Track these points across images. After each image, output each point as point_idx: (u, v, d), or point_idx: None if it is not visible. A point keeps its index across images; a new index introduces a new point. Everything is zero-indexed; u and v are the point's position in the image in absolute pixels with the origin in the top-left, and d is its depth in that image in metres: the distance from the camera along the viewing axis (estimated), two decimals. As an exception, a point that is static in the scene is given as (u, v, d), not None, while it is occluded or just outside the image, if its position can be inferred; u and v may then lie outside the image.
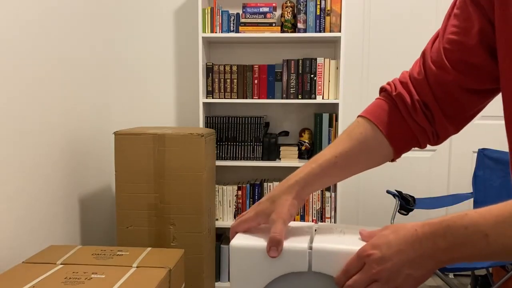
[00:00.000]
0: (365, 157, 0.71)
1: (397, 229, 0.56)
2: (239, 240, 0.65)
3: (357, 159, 0.71)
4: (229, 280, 2.44)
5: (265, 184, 2.41)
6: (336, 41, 2.46)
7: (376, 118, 0.71)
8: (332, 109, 2.47)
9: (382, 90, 0.77)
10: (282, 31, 2.35)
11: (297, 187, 0.68)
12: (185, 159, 1.86)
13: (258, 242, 0.65)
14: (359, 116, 0.73)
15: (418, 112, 0.69)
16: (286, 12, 2.34)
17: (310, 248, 0.62)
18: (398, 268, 0.54)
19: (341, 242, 0.63)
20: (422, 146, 0.73)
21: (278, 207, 0.66)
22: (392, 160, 0.74)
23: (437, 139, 0.71)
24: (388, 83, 0.75)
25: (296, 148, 2.43)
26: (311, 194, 2.39)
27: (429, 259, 0.54)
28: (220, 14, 2.35)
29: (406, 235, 0.54)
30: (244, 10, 2.35)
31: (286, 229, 0.65)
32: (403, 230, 0.55)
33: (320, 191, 2.38)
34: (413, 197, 2.08)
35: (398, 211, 2.02)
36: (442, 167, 2.63)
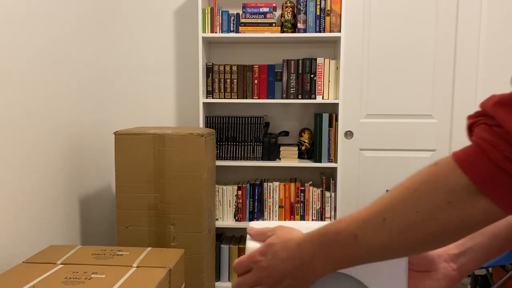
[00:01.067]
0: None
1: (285, 241, 0.58)
2: (255, 243, 0.65)
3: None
4: (229, 280, 2.44)
5: (265, 184, 2.41)
6: (336, 41, 2.46)
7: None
8: (332, 109, 2.47)
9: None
10: (282, 31, 2.35)
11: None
12: (185, 159, 1.87)
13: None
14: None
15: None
16: (286, 12, 2.34)
17: None
18: (280, 277, 0.57)
19: None
20: None
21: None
22: None
23: None
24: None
25: (296, 148, 2.43)
26: (311, 194, 2.39)
27: (308, 270, 0.56)
28: (220, 14, 2.35)
29: (290, 248, 0.57)
30: (244, 10, 2.35)
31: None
32: (289, 242, 0.57)
33: (320, 191, 2.38)
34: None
35: None
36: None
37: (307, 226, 0.73)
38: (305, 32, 2.31)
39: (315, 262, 0.55)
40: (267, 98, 2.38)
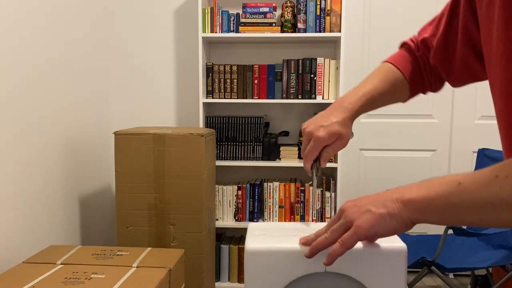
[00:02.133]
0: (390, 96, 0.87)
1: (367, 195, 0.65)
2: (255, 244, 0.64)
3: (384, 96, 0.86)
4: (229, 280, 2.44)
5: (265, 184, 2.41)
6: (336, 41, 2.46)
7: (403, 67, 0.86)
8: (332, 109, 2.46)
9: (405, 44, 0.91)
10: (282, 31, 2.35)
11: (344, 109, 0.86)
12: (185, 159, 1.87)
13: (274, 244, 0.64)
14: (385, 61, 0.89)
15: (432, 67, 0.85)
16: (286, 12, 2.34)
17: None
18: (363, 205, 0.61)
19: None
20: (426, 91, 0.91)
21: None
22: (404, 101, 0.90)
23: (437, 88, 0.90)
24: (412, 40, 0.89)
25: (296, 148, 2.43)
26: (311, 194, 2.39)
27: (390, 202, 0.59)
28: (220, 14, 2.35)
29: (379, 192, 0.63)
30: (244, 10, 2.35)
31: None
32: (371, 194, 0.64)
33: (320, 191, 2.38)
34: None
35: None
36: (442, 167, 2.63)
37: (314, 227, 0.73)
38: (305, 32, 2.31)
39: (406, 193, 0.60)
40: (267, 98, 2.38)
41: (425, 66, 0.86)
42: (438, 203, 0.54)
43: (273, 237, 0.67)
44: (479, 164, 2.19)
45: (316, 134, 0.79)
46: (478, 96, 2.57)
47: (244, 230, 2.66)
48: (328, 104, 2.54)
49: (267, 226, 0.71)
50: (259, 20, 2.33)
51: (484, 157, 2.16)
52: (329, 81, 2.35)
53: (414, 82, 0.86)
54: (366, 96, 0.84)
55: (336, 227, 0.61)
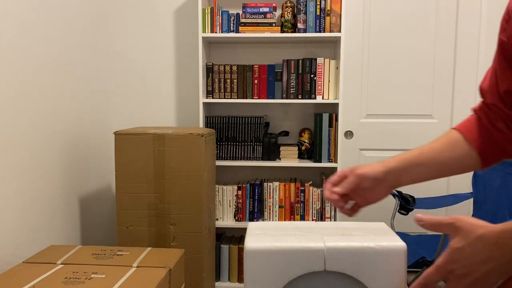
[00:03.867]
0: (449, 156, 0.77)
1: (475, 242, 0.55)
2: (254, 243, 0.64)
3: (441, 156, 0.77)
4: (229, 280, 2.44)
5: (265, 184, 2.41)
6: (336, 41, 2.46)
7: (463, 127, 0.79)
8: (332, 109, 2.47)
9: (473, 110, 0.83)
10: (282, 31, 2.35)
11: (385, 163, 0.77)
12: (185, 159, 1.87)
13: (273, 243, 0.63)
14: (453, 128, 0.82)
15: (499, 121, 0.75)
16: (286, 12, 2.34)
17: (324, 247, 0.62)
18: (483, 278, 0.55)
19: (352, 240, 0.63)
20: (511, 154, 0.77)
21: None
22: (482, 168, 0.79)
23: None
24: (478, 104, 0.82)
25: (296, 148, 2.43)
26: (311, 194, 2.39)
27: (511, 265, 0.54)
28: (220, 14, 2.35)
29: (486, 248, 0.54)
30: (244, 10, 2.35)
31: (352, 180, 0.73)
32: (481, 242, 0.55)
33: (320, 191, 2.38)
34: (413, 197, 2.09)
35: (398, 211, 2.02)
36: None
37: (310, 226, 0.73)
38: (305, 32, 2.31)
39: None
40: (267, 98, 2.38)
41: (490, 119, 0.76)
42: None
43: (272, 236, 0.67)
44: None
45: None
46: (478, 96, 2.57)
47: (244, 230, 2.65)
48: (328, 104, 2.55)
49: (266, 225, 0.71)
50: (259, 20, 2.34)
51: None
52: (329, 81, 2.35)
53: (478, 142, 0.77)
54: (404, 156, 0.77)
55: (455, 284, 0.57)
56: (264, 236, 0.67)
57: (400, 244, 0.64)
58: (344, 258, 0.62)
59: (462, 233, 0.56)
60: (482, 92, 0.79)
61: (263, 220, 2.43)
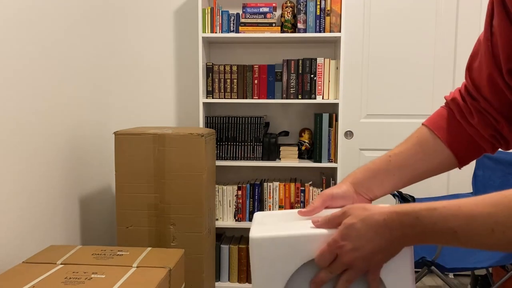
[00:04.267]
0: (420, 158, 0.72)
1: (365, 218, 0.58)
2: (259, 233, 0.64)
3: (412, 159, 0.73)
4: (229, 280, 2.44)
5: (265, 184, 2.41)
6: (336, 41, 2.46)
7: (433, 123, 0.73)
8: (332, 109, 2.47)
9: (445, 99, 0.77)
10: (282, 31, 2.35)
11: (351, 177, 0.74)
12: (185, 159, 1.87)
13: (279, 231, 0.63)
14: (423, 124, 0.76)
15: (473, 114, 0.69)
16: (286, 12, 2.34)
17: (332, 233, 0.62)
18: (369, 256, 0.58)
19: None
20: (488, 151, 0.72)
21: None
22: (459, 167, 0.74)
23: (507, 144, 0.70)
24: (450, 92, 0.76)
25: (296, 148, 2.43)
26: (311, 194, 2.39)
27: (397, 245, 0.58)
28: (220, 14, 2.35)
29: (375, 225, 0.57)
30: (244, 10, 2.35)
31: (323, 205, 0.71)
32: (370, 219, 0.58)
33: (320, 191, 2.38)
34: (413, 197, 2.08)
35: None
36: (442, 167, 2.63)
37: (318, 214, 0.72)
38: (305, 32, 2.31)
39: (405, 239, 0.56)
40: (267, 98, 2.38)
41: (463, 115, 0.71)
42: (440, 244, 0.56)
43: (278, 225, 0.67)
44: (479, 165, 2.19)
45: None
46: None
47: (244, 230, 2.66)
48: (328, 104, 2.55)
49: (272, 214, 0.72)
50: (259, 20, 2.33)
51: (484, 157, 2.16)
52: (329, 81, 2.35)
53: (452, 140, 0.72)
54: (370, 166, 0.75)
55: (334, 269, 0.61)
56: (270, 225, 0.67)
57: None
58: None
59: (354, 213, 0.59)
60: (469, 75, 0.71)
61: (263, 220, 2.42)
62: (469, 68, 0.70)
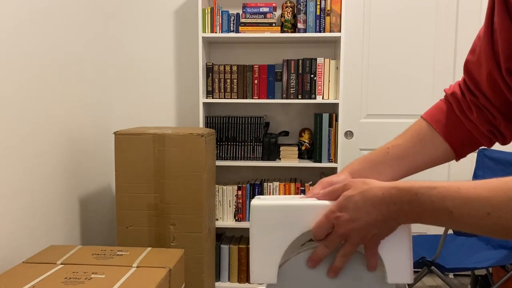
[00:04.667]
0: (418, 151, 0.74)
1: (364, 191, 0.58)
2: (260, 202, 0.65)
3: (410, 151, 0.74)
4: (229, 280, 2.44)
5: (265, 184, 2.41)
6: (336, 41, 2.46)
7: (431, 117, 0.76)
8: (332, 109, 2.47)
9: (444, 92, 0.79)
10: (282, 31, 2.35)
11: (349, 167, 0.75)
12: (185, 159, 1.87)
13: (279, 201, 0.65)
14: (421, 116, 0.78)
15: (472, 110, 0.71)
16: (286, 12, 2.34)
17: (330, 204, 0.63)
18: (365, 228, 0.58)
19: None
20: (485, 145, 0.74)
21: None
22: (456, 160, 0.76)
23: (503, 139, 0.71)
24: (450, 85, 0.77)
25: (296, 148, 2.43)
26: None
27: (393, 221, 0.58)
28: (220, 14, 2.35)
29: (373, 198, 0.57)
30: (244, 10, 2.35)
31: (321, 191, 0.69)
32: (369, 192, 0.58)
33: (320, 191, 2.38)
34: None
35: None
36: (442, 167, 2.63)
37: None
38: (305, 32, 2.31)
39: (401, 215, 0.56)
40: (267, 98, 2.38)
41: (462, 109, 0.73)
42: (433, 225, 0.56)
43: (278, 199, 0.68)
44: (479, 164, 2.19)
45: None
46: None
47: (244, 230, 2.65)
48: (328, 104, 2.55)
49: (272, 200, 0.73)
50: (259, 20, 2.33)
51: (484, 157, 2.16)
52: (329, 81, 2.35)
53: (450, 133, 0.73)
54: (368, 157, 0.75)
55: (330, 240, 0.61)
56: (271, 199, 0.68)
57: None
58: None
59: (354, 186, 0.60)
60: (467, 70, 0.72)
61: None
62: (468, 64, 0.72)
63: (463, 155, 0.75)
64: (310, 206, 0.63)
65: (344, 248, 0.60)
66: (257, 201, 0.65)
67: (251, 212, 0.64)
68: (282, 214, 0.63)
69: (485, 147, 0.76)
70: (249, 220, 2.42)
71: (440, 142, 0.74)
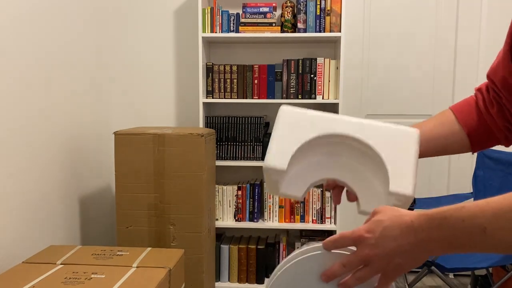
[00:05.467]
0: (438, 133, 0.79)
1: (393, 217, 0.56)
2: (288, 106, 0.73)
3: (430, 133, 0.79)
4: (229, 280, 2.44)
5: (265, 184, 2.41)
6: (336, 41, 2.46)
7: (457, 108, 0.80)
8: (332, 109, 2.47)
9: (474, 90, 0.85)
10: (282, 31, 2.35)
11: None
12: (185, 159, 1.87)
13: (303, 109, 0.72)
14: (449, 108, 0.83)
15: (493, 104, 0.76)
16: (286, 12, 2.34)
17: (349, 120, 0.69)
18: (389, 256, 0.55)
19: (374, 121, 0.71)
20: (502, 142, 0.78)
21: None
22: (472, 152, 0.81)
23: None
24: (480, 85, 0.83)
25: (296, 148, 2.43)
26: (311, 194, 2.39)
27: (421, 250, 0.54)
28: (220, 14, 2.35)
29: (402, 225, 0.55)
30: (244, 10, 2.35)
31: None
32: (398, 218, 0.56)
33: (320, 191, 2.38)
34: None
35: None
36: (443, 167, 2.63)
37: None
38: (305, 32, 2.31)
39: (431, 243, 0.53)
40: (267, 98, 2.38)
41: (485, 105, 0.78)
42: (465, 250, 0.53)
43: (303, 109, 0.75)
44: (479, 165, 2.19)
45: None
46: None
47: (244, 230, 2.66)
48: (328, 104, 2.55)
49: (300, 110, 0.78)
50: (259, 20, 2.33)
51: (484, 157, 2.16)
52: (329, 81, 2.35)
53: (469, 125, 0.78)
54: None
55: (351, 260, 0.59)
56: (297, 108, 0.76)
57: (414, 130, 0.70)
58: (365, 129, 0.69)
59: (384, 211, 0.58)
60: (488, 73, 0.80)
61: (263, 221, 2.42)
62: (490, 70, 0.78)
63: (479, 147, 0.79)
64: (331, 117, 0.69)
65: (362, 271, 0.58)
66: (285, 106, 0.74)
67: (279, 112, 0.73)
68: (305, 118, 0.71)
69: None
70: (249, 220, 2.43)
71: (460, 129, 0.78)
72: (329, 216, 2.39)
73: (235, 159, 2.44)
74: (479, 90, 0.81)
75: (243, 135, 2.43)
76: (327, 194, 2.38)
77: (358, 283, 0.59)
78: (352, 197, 0.76)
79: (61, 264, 1.46)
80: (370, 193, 0.70)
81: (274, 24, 2.34)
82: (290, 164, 0.68)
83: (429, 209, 0.55)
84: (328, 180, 0.76)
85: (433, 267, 1.80)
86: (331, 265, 0.60)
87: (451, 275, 2.63)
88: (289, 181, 0.72)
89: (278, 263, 2.33)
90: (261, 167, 2.60)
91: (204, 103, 2.37)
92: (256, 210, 2.42)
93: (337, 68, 2.34)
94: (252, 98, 2.38)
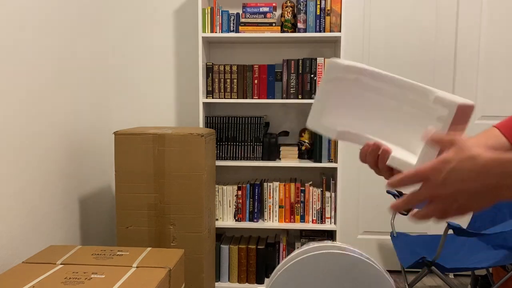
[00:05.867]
0: (483, 142, 0.77)
1: (464, 160, 0.54)
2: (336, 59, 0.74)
3: (475, 142, 0.77)
4: (229, 280, 2.44)
5: (265, 184, 2.41)
6: (336, 41, 2.45)
7: (502, 124, 0.79)
8: (332, 109, 2.46)
9: None
10: (282, 31, 2.35)
11: None
12: (185, 159, 1.87)
13: (351, 62, 0.73)
14: (494, 126, 0.81)
15: None
16: (286, 12, 2.34)
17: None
18: (454, 197, 0.54)
19: None
20: None
21: None
22: None
23: None
24: None
25: (296, 148, 2.43)
26: (311, 194, 2.39)
27: (490, 195, 0.53)
28: (220, 14, 2.35)
29: (472, 169, 0.53)
30: (244, 10, 2.35)
31: None
32: (470, 161, 0.54)
33: (320, 191, 2.38)
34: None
35: (398, 211, 2.02)
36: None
37: None
38: (305, 32, 2.31)
39: (502, 189, 0.52)
40: (267, 98, 2.38)
41: None
42: None
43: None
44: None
45: None
46: (478, 96, 2.57)
47: (244, 230, 2.66)
48: (328, 104, 2.55)
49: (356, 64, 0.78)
50: (259, 20, 2.33)
51: None
52: (329, 81, 2.35)
53: None
54: None
55: (416, 196, 0.57)
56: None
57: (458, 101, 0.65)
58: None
59: (456, 148, 0.56)
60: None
61: (263, 221, 2.42)
62: None
63: None
64: (370, 70, 0.70)
65: (427, 208, 0.56)
66: (334, 58, 0.75)
67: (326, 65, 0.75)
68: (352, 70, 0.72)
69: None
70: (249, 220, 2.43)
71: (505, 142, 0.76)
72: (329, 216, 2.39)
73: (235, 159, 2.44)
74: None
75: (243, 135, 2.43)
76: (327, 194, 2.38)
77: (425, 219, 0.57)
78: (364, 156, 0.73)
79: (61, 264, 1.46)
80: (406, 143, 0.67)
81: (274, 24, 2.34)
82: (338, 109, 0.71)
83: (502, 153, 0.53)
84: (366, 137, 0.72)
85: (433, 267, 1.80)
86: (331, 265, 0.60)
87: (451, 275, 2.63)
88: (334, 116, 0.73)
89: (278, 263, 2.33)
90: (261, 167, 2.61)
91: (204, 103, 2.37)
92: (256, 210, 2.42)
93: (337, 68, 2.34)
94: (252, 98, 2.38)
